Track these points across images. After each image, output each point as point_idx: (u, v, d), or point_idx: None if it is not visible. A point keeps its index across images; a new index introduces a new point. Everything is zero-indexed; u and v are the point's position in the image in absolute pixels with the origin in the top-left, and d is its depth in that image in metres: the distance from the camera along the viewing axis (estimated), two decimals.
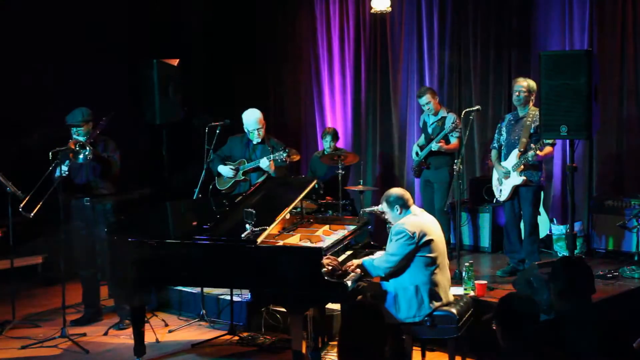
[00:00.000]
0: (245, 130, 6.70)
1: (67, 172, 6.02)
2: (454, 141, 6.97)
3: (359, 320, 3.05)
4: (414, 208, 4.86)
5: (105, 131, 6.30)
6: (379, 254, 5.07)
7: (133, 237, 5.09)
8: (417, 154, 7.27)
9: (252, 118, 6.65)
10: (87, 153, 5.97)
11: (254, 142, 6.67)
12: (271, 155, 6.40)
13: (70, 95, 7.78)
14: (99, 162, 6.18)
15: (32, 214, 5.96)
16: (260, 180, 6.26)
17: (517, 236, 6.46)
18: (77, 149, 5.98)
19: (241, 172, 6.65)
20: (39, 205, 5.95)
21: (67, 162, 6.00)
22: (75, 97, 7.72)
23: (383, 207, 4.89)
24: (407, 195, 4.87)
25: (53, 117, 6.51)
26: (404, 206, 4.81)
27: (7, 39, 7.78)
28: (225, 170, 6.70)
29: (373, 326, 3.02)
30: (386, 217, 4.94)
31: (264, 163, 6.43)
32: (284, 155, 6.35)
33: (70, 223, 6.27)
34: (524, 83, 6.29)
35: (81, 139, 6.12)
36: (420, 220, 4.78)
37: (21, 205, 5.95)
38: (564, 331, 3.33)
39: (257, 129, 6.61)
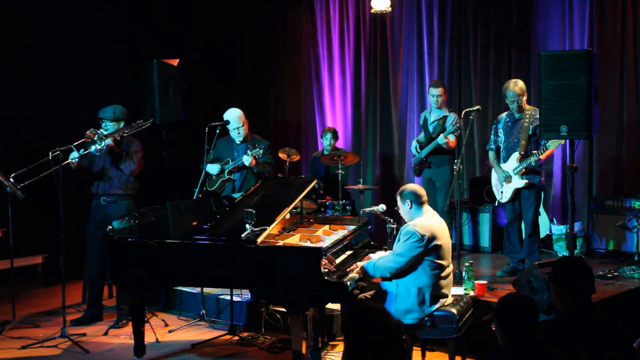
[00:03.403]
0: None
1: (76, 159, 6.05)
2: (452, 139, 6.97)
3: (366, 323, 3.02)
4: (427, 208, 4.83)
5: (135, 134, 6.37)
6: (378, 254, 5.06)
7: (133, 237, 5.10)
8: (417, 150, 7.26)
9: (231, 117, 6.68)
10: (100, 146, 6.00)
11: (237, 141, 6.73)
12: (250, 152, 6.48)
13: (70, 95, 7.81)
14: (112, 155, 6.22)
15: (20, 191, 5.96)
16: (244, 179, 6.46)
17: (518, 236, 6.45)
18: (96, 139, 6.02)
19: (227, 171, 6.69)
20: (30, 181, 5.97)
21: (82, 150, 6.05)
22: (75, 97, 7.77)
23: (398, 201, 4.87)
24: (422, 192, 4.83)
25: (52, 117, 6.51)
26: (416, 202, 4.78)
27: (6, 39, 7.77)
28: (211, 167, 6.74)
29: (380, 329, 2.99)
30: (399, 211, 4.92)
31: (247, 160, 6.50)
32: (260, 151, 6.46)
33: (89, 223, 6.36)
34: (516, 89, 6.20)
35: (104, 132, 6.16)
36: (431, 223, 4.75)
37: (20, 186, 5.97)
38: (564, 331, 3.33)
39: (237, 128, 6.65)
